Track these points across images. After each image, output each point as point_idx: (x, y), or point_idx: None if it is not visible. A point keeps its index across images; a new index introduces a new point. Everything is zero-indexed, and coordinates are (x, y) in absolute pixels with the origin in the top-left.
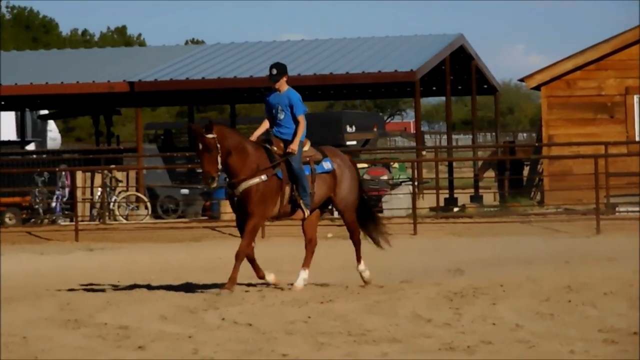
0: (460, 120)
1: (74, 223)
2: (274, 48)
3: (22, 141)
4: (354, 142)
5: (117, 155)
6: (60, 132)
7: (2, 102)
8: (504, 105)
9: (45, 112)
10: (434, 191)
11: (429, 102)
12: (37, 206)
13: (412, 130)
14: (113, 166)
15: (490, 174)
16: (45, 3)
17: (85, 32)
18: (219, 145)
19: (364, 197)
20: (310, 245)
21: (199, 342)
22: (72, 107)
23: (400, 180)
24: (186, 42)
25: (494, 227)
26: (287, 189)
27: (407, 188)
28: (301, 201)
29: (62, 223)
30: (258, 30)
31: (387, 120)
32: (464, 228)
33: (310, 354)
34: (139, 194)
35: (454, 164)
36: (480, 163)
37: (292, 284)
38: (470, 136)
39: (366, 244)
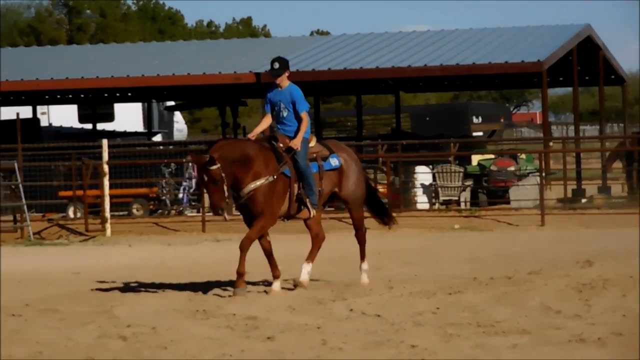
0: (587, 111)
1: (200, 214)
2: (400, 39)
3: (149, 132)
4: (480, 133)
5: None
6: (186, 123)
7: (129, 94)
8: (632, 95)
9: (171, 103)
10: (562, 182)
11: (556, 92)
12: (164, 197)
13: (539, 121)
14: None
15: (618, 165)
16: None
17: (210, 23)
18: (223, 175)
19: (370, 188)
20: (317, 240)
21: (328, 332)
22: (199, 98)
23: (528, 171)
24: (311, 33)
25: (623, 218)
26: (295, 187)
27: (535, 179)
28: (307, 200)
29: (189, 214)
30: (384, 21)
31: (514, 111)
32: (592, 219)
33: (439, 345)
34: None
35: (582, 155)
36: (608, 154)
37: (294, 279)
38: (598, 127)
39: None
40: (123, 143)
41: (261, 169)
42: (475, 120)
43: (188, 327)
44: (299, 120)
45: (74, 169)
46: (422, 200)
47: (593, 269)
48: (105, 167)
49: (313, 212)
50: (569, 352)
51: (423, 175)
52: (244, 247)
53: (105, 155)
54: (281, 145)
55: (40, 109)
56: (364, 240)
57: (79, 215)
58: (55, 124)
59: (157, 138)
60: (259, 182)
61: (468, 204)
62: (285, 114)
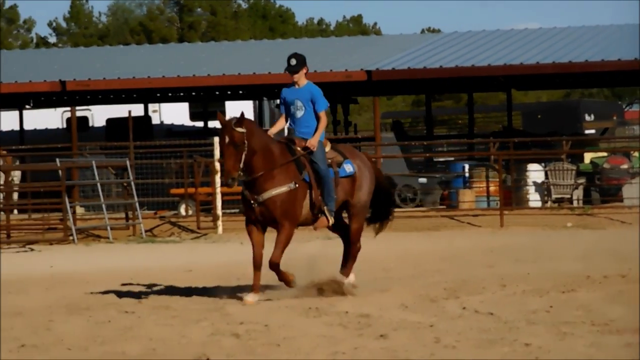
0: None
1: None
2: (512, 36)
3: None
4: (593, 131)
5: (354, 143)
6: None
7: (240, 92)
8: None
9: None
10: None
11: None
12: None
13: None
14: None
15: None
16: None
17: (321, 21)
18: (246, 142)
19: (388, 190)
20: (354, 249)
21: (441, 330)
22: None
23: None
24: (422, 31)
25: None
26: (314, 194)
27: None
28: (325, 207)
29: None
30: (495, 19)
31: (626, 109)
32: None
33: (553, 344)
34: None
35: None
36: None
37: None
38: None
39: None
40: None
41: (282, 174)
42: (587, 117)
43: (301, 325)
44: (317, 119)
45: (185, 167)
46: (534, 199)
47: None
48: (217, 165)
49: (331, 219)
50: None
51: (535, 173)
52: (276, 269)
53: (217, 153)
54: (299, 148)
55: (151, 106)
56: (356, 255)
57: (190, 212)
58: (167, 122)
59: None
60: (280, 190)
61: (581, 201)
62: (300, 113)
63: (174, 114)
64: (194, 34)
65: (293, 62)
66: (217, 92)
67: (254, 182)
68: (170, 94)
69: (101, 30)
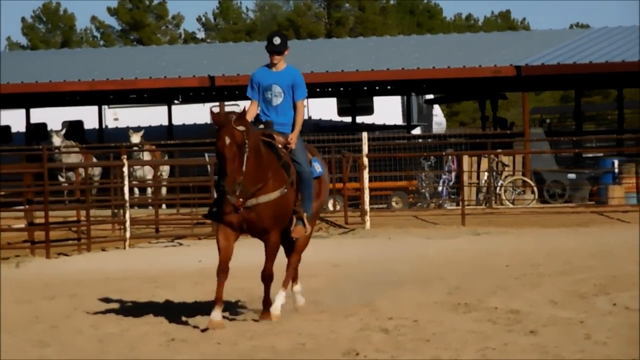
0: None
1: (460, 207)
2: None
3: (408, 125)
4: None
5: (504, 140)
6: (444, 116)
7: (389, 87)
8: None
9: (430, 96)
10: None
11: None
12: (423, 190)
13: None
14: (499, 150)
15: None
16: None
17: (469, 16)
18: (247, 142)
19: None
20: (295, 261)
21: (591, 327)
22: (458, 92)
23: None
24: (570, 26)
25: None
26: (296, 199)
27: None
28: (304, 214)
29: (449, 207)
30: None
31: None
32: None
33: None
34: (526, 179)
35: None
36: None
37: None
38: None
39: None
40: (382, 136)
41: (274, 178)
42: None
43: (450, 321)
44: (294, 109)
45: (333, 162)
46: None
47: None
48: (365, 160)
49: (309, 227)
50: None
51: None
52: (269, 281)
53: (365, 148)
54: (280, 146)
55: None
56: (297, 264)
57: (338, 207)
58: (315, 117)
59: (416, 131)
60: (273, 195)
61: None
62: (278, 101)
63: (322, 109)
64: (341, 29)
65: (277, 40)
66: (365, 88)
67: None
68: (318, 89)
69: (249, 26)
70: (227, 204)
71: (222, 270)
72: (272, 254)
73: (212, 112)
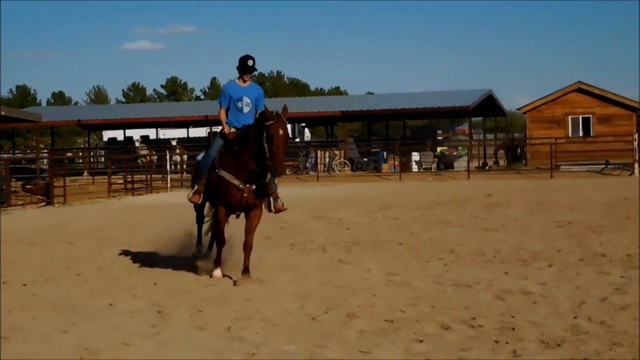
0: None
1: (316, 174)
2: None
3: (293, 138)
4: (441, 138)
5: (336, 142)
6: (310, 133)
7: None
8: (509, 120)
9: (303, 124)
10: None
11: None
12: (300, 166)
13: None
14: (334, 148)
15: None
16: None
17: (321, 89)
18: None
19: None
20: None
21: None
22: (316, 122)
23: None
24: (366, 93)
25: None
26: None
27: None
28: (277, 192)
29: (311, 174)
30: None
31: (457, 127)
32: None
33: None
34: (345, 160)
35: None
36: None
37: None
38: None
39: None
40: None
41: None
42: (439, 131)
43: None
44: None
45: None
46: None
47: None
48: None
49: (284, 203)
50: None
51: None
52: (250, 248)
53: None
54: None
55: None
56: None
57: None
58: None
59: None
60: (267, 178)
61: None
62: (247, 109)
63: None
64: None
65: (250, 62)
66: None
67: (256, 171)
68: None
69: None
70: (234, 188)
71: (222, 242)
72: (256, 226)
73: (265, 109)
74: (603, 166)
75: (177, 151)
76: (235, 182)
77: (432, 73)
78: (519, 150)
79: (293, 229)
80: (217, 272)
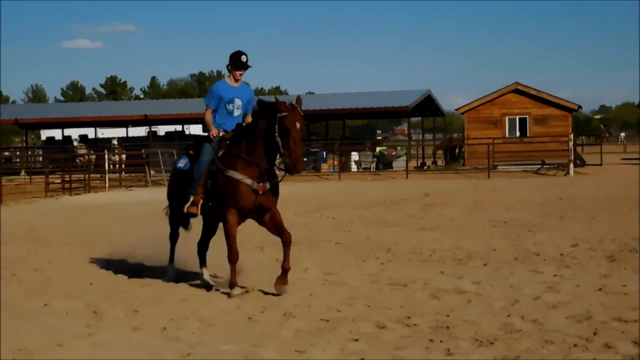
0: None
1: None
2: None
3: None
4: (380, 137)
5: None
6: None
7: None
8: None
9: None
10: None
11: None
12: None
13: None
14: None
15: None
16: None
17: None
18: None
19: None
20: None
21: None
22: None
23: None
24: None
25: None
26: None
27: None
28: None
29: None
30: None
31: (396, 127)
32: None
33: None
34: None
35: None
36: None
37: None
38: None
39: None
40: None
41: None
42: (378, 131)
43: None
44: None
45: None
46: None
47: None
48: None
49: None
50: None
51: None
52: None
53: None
54: None
55: None
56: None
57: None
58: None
59: None
60: (279, 177)
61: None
62: (238, 112)
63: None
64: None
65: (244, 58)
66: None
67: (262, 172)
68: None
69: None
70: (248, 189)
71: (236, 256)
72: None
73: (277, 100)
74: (539, 166)
75: (116, 151)
76: (248, 181)
77: (371, 73)
78: (457, 151)
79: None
80: (237, 291)
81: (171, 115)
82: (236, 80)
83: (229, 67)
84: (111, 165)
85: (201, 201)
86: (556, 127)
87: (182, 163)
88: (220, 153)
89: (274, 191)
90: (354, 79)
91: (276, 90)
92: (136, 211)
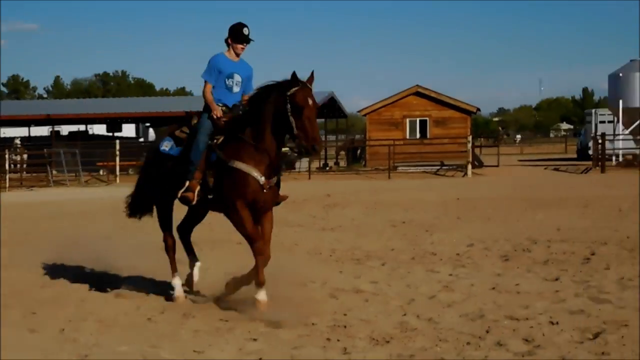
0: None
1: None
2: None
3: (137, 138)
4: None
5: None
6: None
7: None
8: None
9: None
10: None
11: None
12: None
13: None
14: None
15: None
16: None
17: None
18: None
19: None
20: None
21: None
22: None
23: None
24: None
25: None
26: None
27: None
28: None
29: None
30: None
31: None
32: None
33: None
34: None
35: None
36: None
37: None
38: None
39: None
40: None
41: None
42: None
43: None
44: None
45: None
46: None
47: None
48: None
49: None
50: None
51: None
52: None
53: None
54: None
55: None
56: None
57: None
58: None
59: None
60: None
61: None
62: (237, 89)
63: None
64: None
65: (246, 31)
66: (118, 120)
67: (272, 162)
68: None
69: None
70: (256, 182)
71: (265, 255)
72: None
73: (294, 75)
74: (438, 167)
75: (18, 150)
76: (256, 173)
77: (276, 75)
78: (359, 152)
79: (132, 228)
80: (262, 295)
81: (74, 115)
82: (237, 55)
83: (229, 41)
84: (12, 165)
85: (198, 187)
86: (455, 129)
87: (166, 146)
88: (221, 139)
89: (277, 187)
90: (257, 80)
91: (181, 91)
92: (39, 212)
